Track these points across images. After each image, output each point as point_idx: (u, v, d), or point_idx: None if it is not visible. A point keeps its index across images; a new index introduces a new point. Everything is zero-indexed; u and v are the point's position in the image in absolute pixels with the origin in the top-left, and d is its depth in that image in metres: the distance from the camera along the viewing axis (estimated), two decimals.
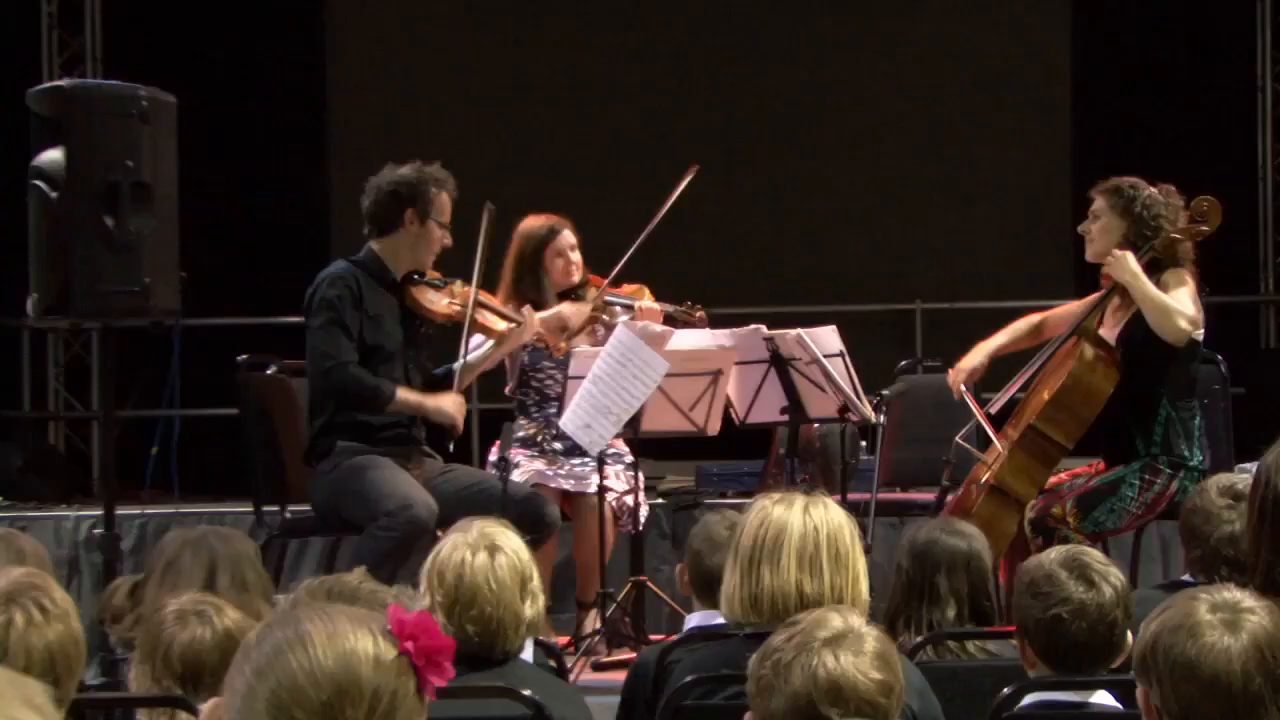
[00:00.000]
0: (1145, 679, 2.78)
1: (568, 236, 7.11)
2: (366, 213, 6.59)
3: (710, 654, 3.83)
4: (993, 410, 6.65)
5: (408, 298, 6.55)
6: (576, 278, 7.11)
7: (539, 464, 6.93)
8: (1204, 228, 6.31)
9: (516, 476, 6.78)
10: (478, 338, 6.68)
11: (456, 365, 6.65)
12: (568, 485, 6.89)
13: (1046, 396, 6.29)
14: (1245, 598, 2.82)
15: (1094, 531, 6.21)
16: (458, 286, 6.61)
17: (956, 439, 6.56)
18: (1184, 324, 6.16)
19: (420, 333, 6.65)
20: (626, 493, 6.84)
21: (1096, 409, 6.24)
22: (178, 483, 8.15)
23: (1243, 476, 4.68)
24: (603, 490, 6.64)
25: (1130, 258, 6.22)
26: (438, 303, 6.57)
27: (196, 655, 3.34)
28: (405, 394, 6.44)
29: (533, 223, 7.14)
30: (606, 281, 7.06)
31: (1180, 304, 6.19)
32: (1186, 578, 4.46)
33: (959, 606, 4.31)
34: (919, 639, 4.24)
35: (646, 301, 7.07)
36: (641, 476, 6.90)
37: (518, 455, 6.94)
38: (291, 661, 2.05)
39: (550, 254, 7.08)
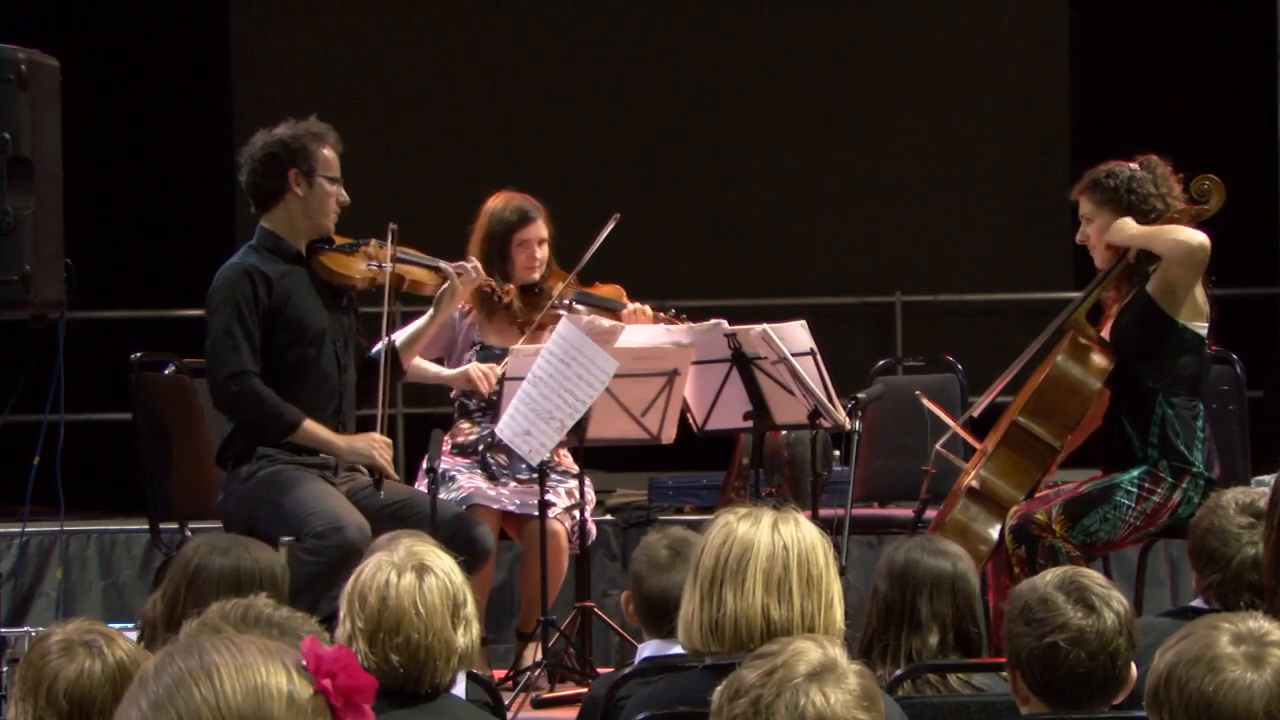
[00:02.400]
0: (1157, 714, 2.80)
1: (539, 228, 7.07)
2: (246, 187, 6.50)
3: (666, 687, 3.83)
4: (975, 414, 6.68)
5: (318, 269, 6.50)
6: (537, 275, 7.09)
7: (479, 480, 6.91)
8: (1205, 207, 6.36)
9: (452, 493, 6.77)
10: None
11: (398, 338, 6.63)
12: (512, 506, 6.87)
13: (1030, 391, 6.35)
14: (1273, 629, 2.83)
15: (1084, 543, 6.21)
16: (373, 246, 6.55)
17: (937, 447, 6.58)
18: (1197, 234, 6.21)
19: (345, 306, 6.59)
20: (571, 507, 6.83)
21: (1085, 404, 6.28)
22: (63, 497, 8.10)
23: (1263, 491, 4.71)
24: (544, 507, 6.62)
25: (1129, 221, 6.28)
26: (354, 267, 6.52)
27: (85, 691, 3.32)
28: (314, 427, 6.37)
29: (502, 203, 7.10)
30: (571, 275, 7.02)
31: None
32: (1199, 604, 4.47)
33: (942, 634, 4.32)
34: (899, 672, 4.24)
35: (631, 309, 6.97)
36: (590, 490, 6.90)
37: (456, 464, 6.92)
38: (195, 695, 2.04)
39: (515, 242, 7.06)
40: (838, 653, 2.75)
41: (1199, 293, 6.30)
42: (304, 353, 6.41)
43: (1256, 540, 4.28)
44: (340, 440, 6.41)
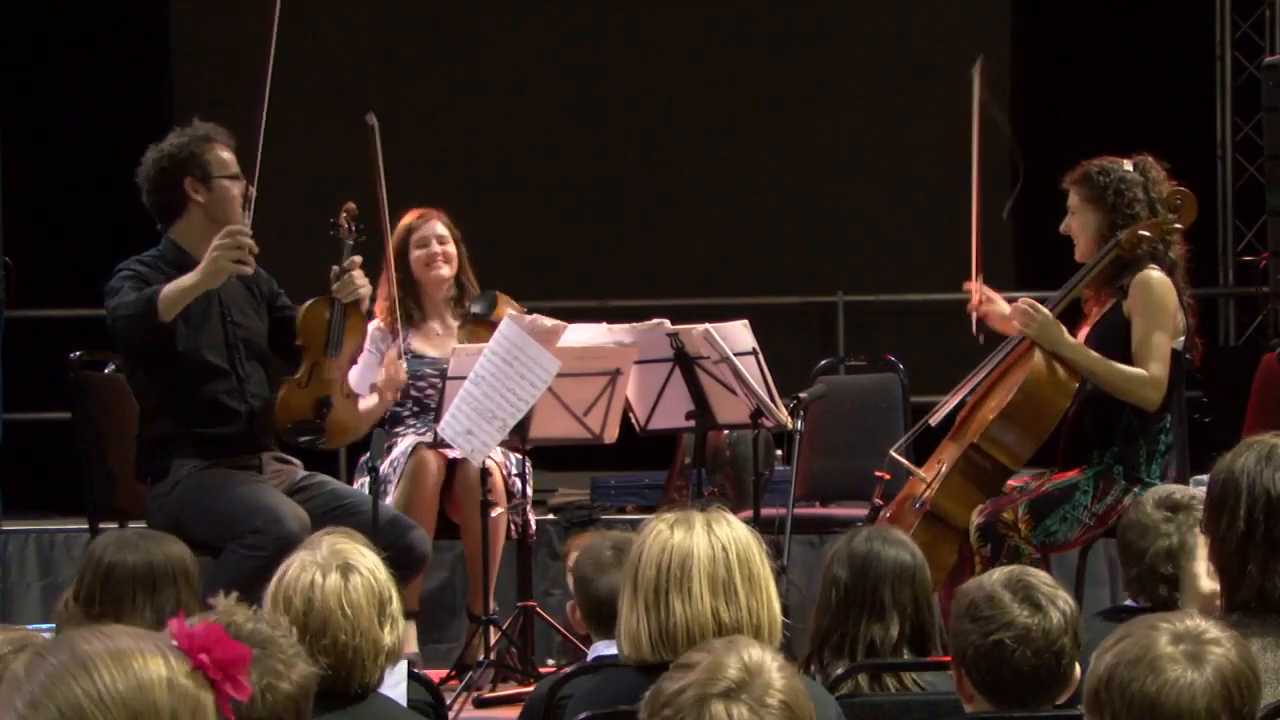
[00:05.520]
0: (1098, 716, 2.80)
1: (434, 226, 7.08)
2: (149, 206, 6.42)
3: (604, 686, 3.83)
4: (932, 422, 6.64)
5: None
6: (444, 271, 7.06)
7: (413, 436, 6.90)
8: (1176, 225, 6.32)
9: (395, 451, 6.77)
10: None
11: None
12: (456, 453, 6.77)
13: (993, 412, 6.27)
14: (1209, 627, 2.84)
15: (1044, 543, 6.22)
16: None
17: (891, 452, 6.57)
18: (1152, 393, 6.17)
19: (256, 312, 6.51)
20: (513, 505, 6.79)
21: (1049, 427, 6.22)
22: (1, 497, 8.06)
23: (1179, 488, 4.79)
24: (486, 508, 6.59)
25: (1048, 323, 6.21)
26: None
27: None
28: (172, 283, 6.13)
29: (404, 218, 7.14)
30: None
31: (1145, 358, 6.16)
32: (1129, 603, 4.53)
33: (901, 622, 4.34)
34: (839, 671, 4.25)
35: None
36: (529, 469, 6.87)
37: (396, 438, 6.91)
38: (75, 689, 2.03)
39: (413, 244, 7.07)
40: (760, 657, 2.68)
41: (1178, 317, 6.26)
42: (203, 385, 6.34)
43: (1171, 533, 4.38)
44: (196, 272, 6.13)
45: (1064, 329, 6.27)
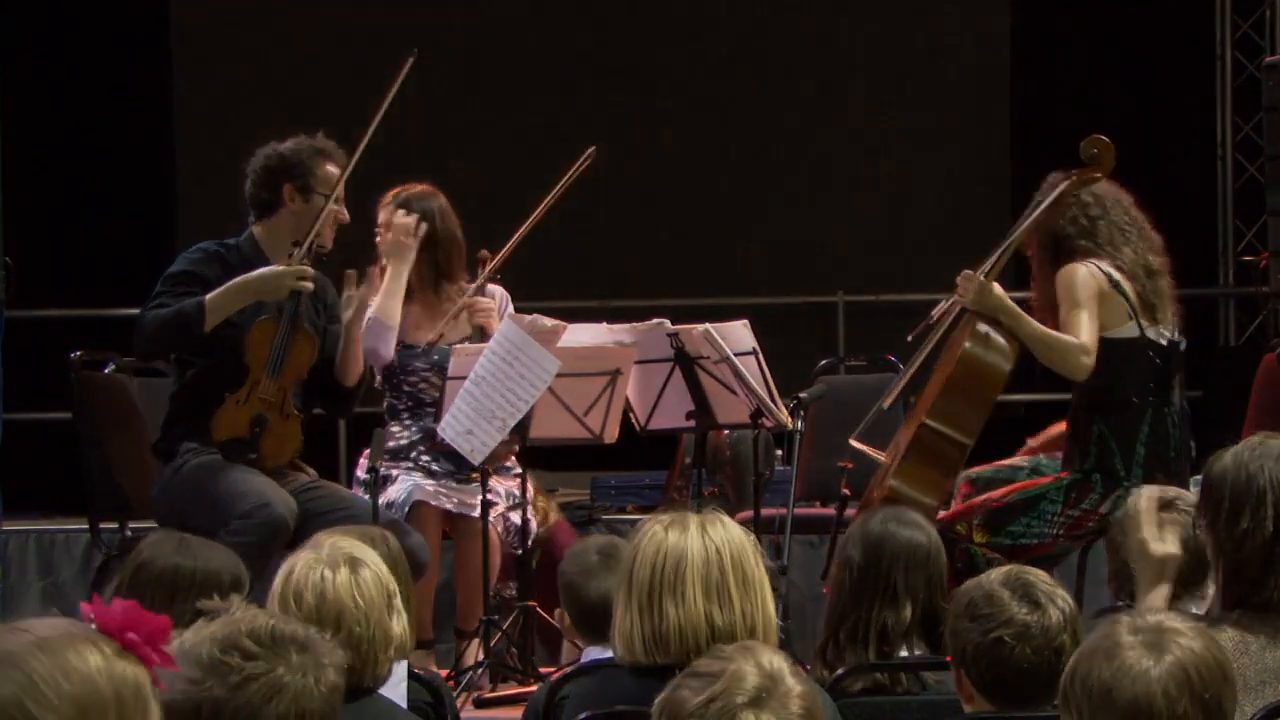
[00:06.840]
0: (1066, 711, 2.81)
1: (385, 211, 6.97)
2: (247, 197, 6.52)
3: (602, 686, 3.83)
4: (885, 404, 6.63)
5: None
6: (384, 251, 7.02)
7: (418, 476, 6.86)
8: (1095, 174, 6.24)
9: (393, 491, 6.73)
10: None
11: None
12: (450, 505, 6.83)
13: (937, 387, 6.23)
14: (1170, 620, 2.85)
15: (1010, 546, 6.18)
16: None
17: (851, 440, 6.54)
18: (1082, 359, 6.08)
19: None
20: (511, 508, 6.81)
21: (994, 394, 6.17)
22: (2, 497, 8.05)
23: (1169, 488, 4.77)
24: (486, 507, 6.59)
25: (984, 288, 6.15)
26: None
27: None
28: (214, 293, 6.21)
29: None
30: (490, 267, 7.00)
31: (1072, 331, 6.10)
32: (1117, 603, 4.55)
33: (914, 607, 4.34)
34: (841, 670, 4.26)
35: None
36: (531, 489, 6.88)
37: (389, 467, 6.88)
38: (10, 689, 1.98)
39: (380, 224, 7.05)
40: (775, 663, 2.68)
41: (1114, 301, 6.18)
42: (231, 373, 6.36)
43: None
44: (243, 277, 6.23)
45: (1001, 291, 6.23)
